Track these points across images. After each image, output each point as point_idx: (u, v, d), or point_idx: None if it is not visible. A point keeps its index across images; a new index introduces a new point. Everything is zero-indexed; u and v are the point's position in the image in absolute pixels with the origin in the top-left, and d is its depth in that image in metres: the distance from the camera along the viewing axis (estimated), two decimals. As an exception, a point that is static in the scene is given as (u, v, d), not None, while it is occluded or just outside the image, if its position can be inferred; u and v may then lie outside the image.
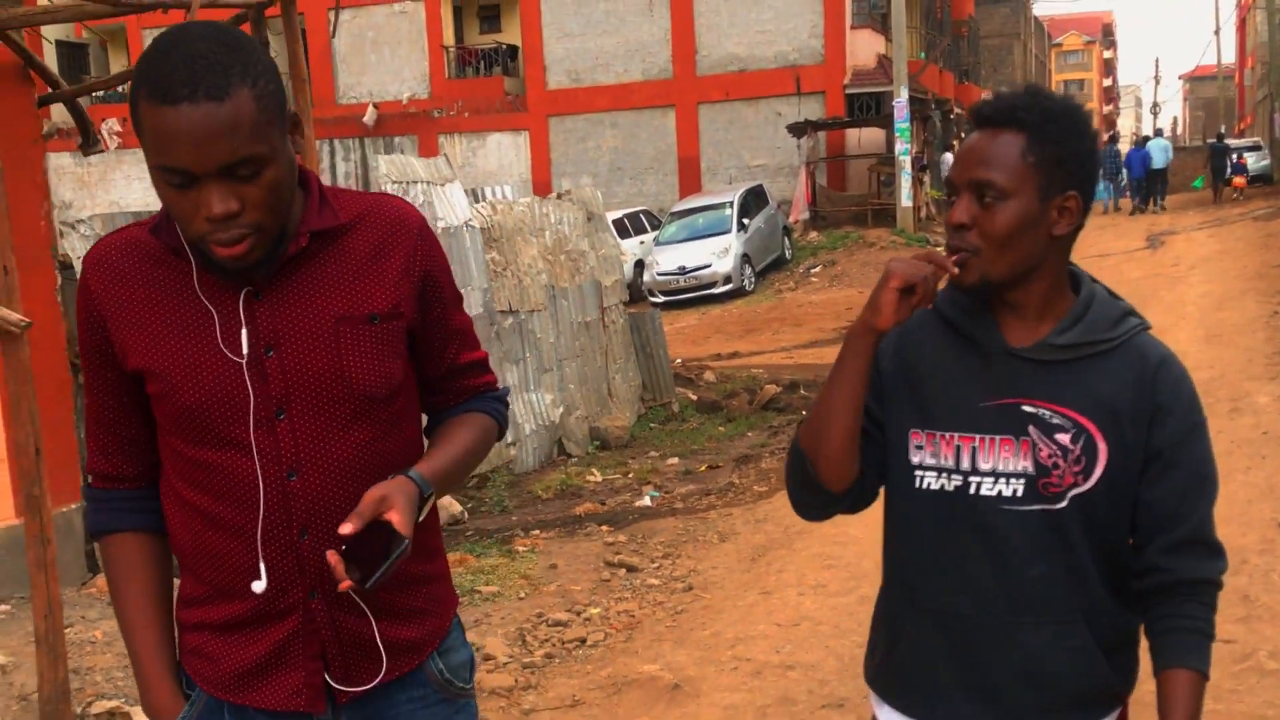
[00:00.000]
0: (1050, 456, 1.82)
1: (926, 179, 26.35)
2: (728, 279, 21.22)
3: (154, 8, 5.22)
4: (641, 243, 23.12)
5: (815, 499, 1.94)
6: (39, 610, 4.22)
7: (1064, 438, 1.82)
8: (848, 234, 24.05)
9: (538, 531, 7.81)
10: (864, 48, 28.23)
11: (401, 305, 1.81)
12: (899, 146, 23.83)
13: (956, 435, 1.87)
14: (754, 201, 23.13)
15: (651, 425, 11.47)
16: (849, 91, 27.67)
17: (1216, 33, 51.40)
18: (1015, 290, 1.85)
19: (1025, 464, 1.83)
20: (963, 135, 32.13)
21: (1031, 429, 1.83)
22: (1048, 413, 1.83)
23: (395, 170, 9.36)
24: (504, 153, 29.45)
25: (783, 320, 18.21)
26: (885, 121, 25.43)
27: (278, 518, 1.76)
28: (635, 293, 20.89)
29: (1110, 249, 21.32)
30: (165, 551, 1.90)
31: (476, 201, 10.72)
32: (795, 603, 5.81)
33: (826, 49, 27.57)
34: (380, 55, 30.04)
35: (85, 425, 1.92)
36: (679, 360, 13.91)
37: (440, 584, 1.95)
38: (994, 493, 1.84)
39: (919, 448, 1.90)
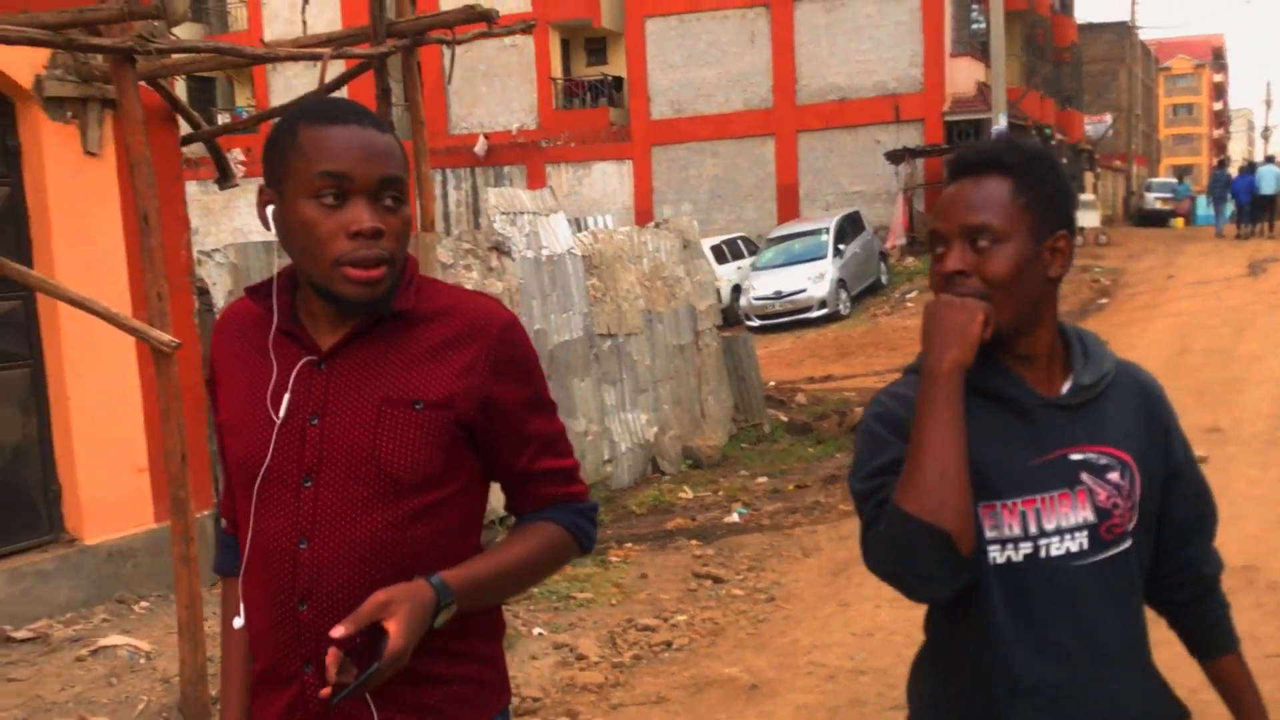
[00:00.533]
0: (1109, 498, 1.78)
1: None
2: (823, 303, 21.41)
3: (288, 59, 5.72)
4: (739, 268, 23.43)
5: (946, 567, 1.69)
6: (181, 601, 4.69)
7: (1115, 476, 1.78)
8: (944, 260, 24.07)
9: (630, 544, 8.16)
10: (963, 75, 28.22)
11: (457, 399, 1.75)
12: (996, 173, 23.79)
13: (1019, 501, 1.76)
14: (850, 227, 23.29)
15: (743, 445, 11.76)
16: (948, 119, 27.68)
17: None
18: (1024, 340, 1.80)
19: (1085, 514, 1.77)
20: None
21: (1084, 475, 1.77)
22: (1094, 455, 1.78)
23: (504, 201, 9.84)
24: (608, 181, 30.03)
25: (877, 344, 18.34)
26: (983, 149, 25.37)
27: (283, 583, 1.75)
28: (732, 317, 21.20)
29: (1210, 275, 21.02)
30: None
31: (579, 230, 11.16)
32: (871, 614, 6.07)
33: (926, 77, 27.64)
34: (491, 87, 30.87)
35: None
36: (772, 383, 14.17)
37: (465, 686, 1.83)
38: (1063, 551, 1.76)
39: (979, 523, 1.75)
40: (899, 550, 1.70)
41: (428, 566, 1.72)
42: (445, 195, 30.11)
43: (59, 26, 4.14)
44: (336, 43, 5.59)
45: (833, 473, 10.10)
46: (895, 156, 25.83)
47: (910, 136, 27.39)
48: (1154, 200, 38.78)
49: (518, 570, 1.82)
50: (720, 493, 9.88)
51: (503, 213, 9.80)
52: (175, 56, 7.12)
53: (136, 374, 6.65)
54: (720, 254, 22.77)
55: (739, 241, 24.86)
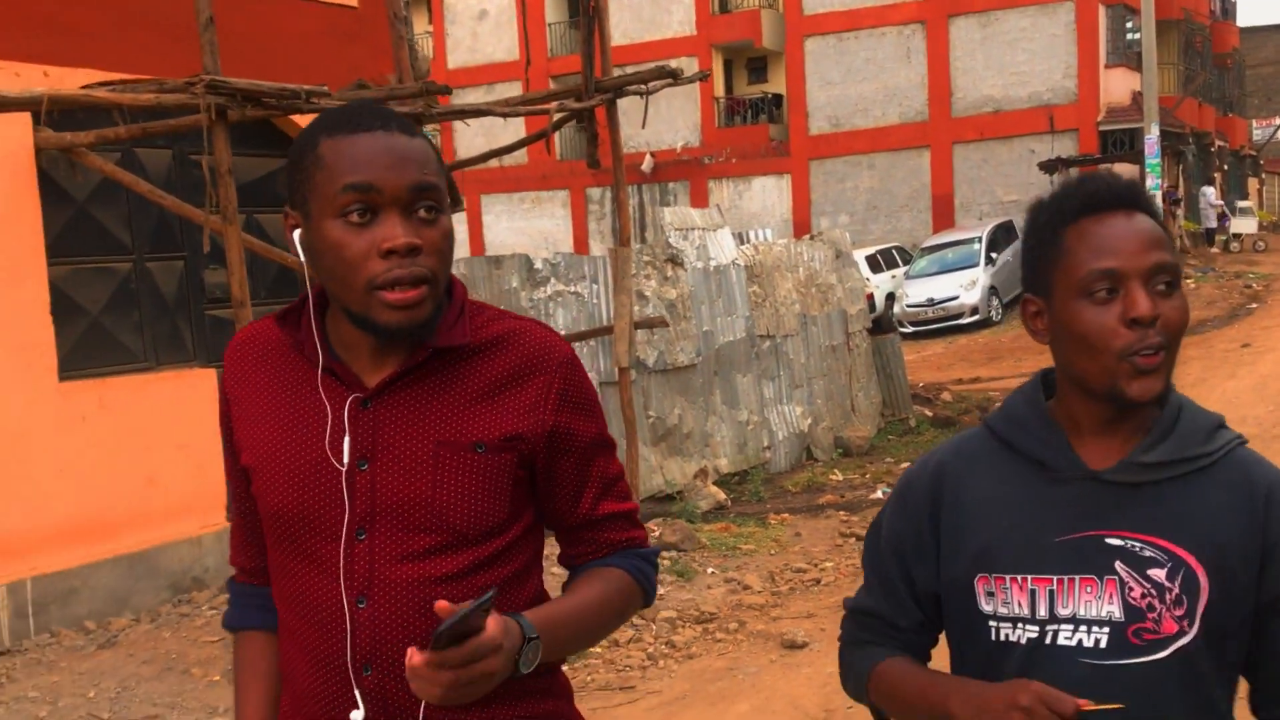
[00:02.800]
0: (1144, 597, 1.52)
1: (1180, 212, 26.46)
2: (974, 310, 22.23)
3: (525, 114, 7.23)
4: (893, 277, 24.39)
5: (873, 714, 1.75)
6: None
7: (1158, 573, 1.52)
8: (1097, 267, 24.60)
9: (786, 513, 9.46)
10: (1118, 85, 28.57)
11: (517, 441, 1.61)
12: (1149, 182, 24.18)
13: (1030, 578, 1.56)
14: (1003, 236, 24.02)
15: (889, 437, 12.91)
16: (1102, 128, 28.08)
17: None
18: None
19: (1111, 608, 1.52)
20: (1209, 176, 31.73)
21: (1118, 565, 1.53)
22: (1138, 544, 1.53)
23: (677, 219, 11.29)
24: (767, 195, 31.30)
25: (1026, 349, 19.13)
26: (1138, 157, 25.78)
27: (337, 645, 1.59)
28: (886, 324, 22.21)
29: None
30: None
31: (742, 243, 12.51)
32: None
33: (1080, 88, 28.10)
34: (656, 108, 32.36)
35: (231, 515, 1.82)
36: (920, 384, 15.24)
37: None
38: (1072, 643, 1.53)
39: (990, 594, 1.59)
40: (843, 674, 1.78)
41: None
42: (615, 211, 31.83)
43: (377, 101, 5.71)
44: (557, 98, 7.07)
45: (971, 459, 11.21)
46: (1049, 166, 26.39)
47: (1065, 146, 27.89)
48: (1323, 205, 38.00)
49: (593, 615, 1.66)
50: (868, 475, 11.08)
51: (676, 229, 11.25)
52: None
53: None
54: (875, 263, 23.79)
55: (893, 251, 25.81)
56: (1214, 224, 27.97)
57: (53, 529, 6.42)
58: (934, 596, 1.67)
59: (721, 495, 10.29)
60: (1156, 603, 1.52)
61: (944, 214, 29.28)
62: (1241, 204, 30.40)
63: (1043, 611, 1.55)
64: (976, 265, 22.75)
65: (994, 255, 23.20)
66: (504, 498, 1.61)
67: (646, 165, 32.14)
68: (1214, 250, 27.20)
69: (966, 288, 22.34)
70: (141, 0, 6.88)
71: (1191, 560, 1.51)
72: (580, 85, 7.11)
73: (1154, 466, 1.54)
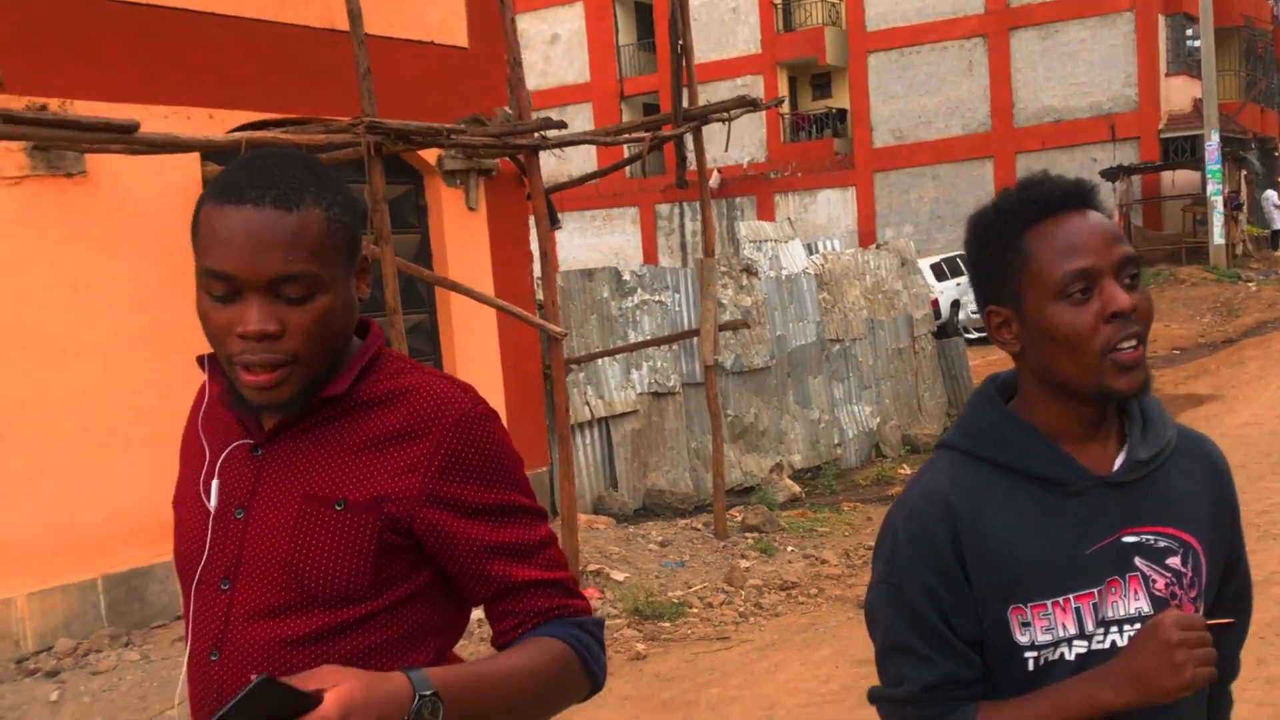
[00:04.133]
0: (1167, 586, 1.56)
1: (1242, 217, 26.77)
2: (1038, 315, 22.77)
3: (621, 143, 8.12)
4: (958, 284, 24.98)
5: None
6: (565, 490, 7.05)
7: (1174, 561, 1.57)
8: (1160, 271, 24.98)
9: (858, 503, 10.24)
10: (1179, 93, 28.93)
11: (384, 501, 1.50)
12: (1210, 187, 24.59)
13: (1072, 597, 1.54)
14: (1065, 244, 24.52)
15: (956, 434, 13.64)
16: (1163, 136, 28.46)
17: None
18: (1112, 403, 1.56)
19: (1140, 604, 1.55)
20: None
21: (1138, 561, 1.56)
22: (1152, 537, 1.56)
23: (751, 232, 12.15)
24: (832, 207, 32.02)
25: (1088, 352, 19.70)
26: (1199, 163, 26.15)
27: (200, 695, 1.53)
28: (951, 331, 22.82)
29: None
30: None
31: (811, 254, 13.32)
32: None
33: (1140, 97, 28.52)
34: (724, 125, 33.35)
35: None
36: (984, 384, 15.93)
37: None
38: (1105, 645, 1.54)
39: (1025, 625, 1.54)
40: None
41: None
42: (683, 226, 32.74)
43: (501, 135, 6.63)
44: (649, 127, 7.97)
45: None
46: (1111, 174, 26.83)
47: (1126, 154, 28.31)
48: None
49: (520, 681, 1.49)
50: (934, 468, 11.83)
51: (750, 240, 12.10)
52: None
53: (499, 366, 9.21)
54: (940, 272, 24.40)
55: (958, 260, 26.38)
56: (1278, 226, 28.20)
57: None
58: (977, 644, 1.56)
59: (796, 488, 11.10)
60: (1178, 589, 1.56)
61: (1007, 223, 29.78)
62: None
63: (1090, 625, 1.53)
64: (1039, 272, 23.30)
65: (1056, 262, 23.73)
66: (365, 562, 1.49)
67: (714, 181, 33.01)
68: (1278, 254, 27.43)
69: (1029, 294, 22.89)
70: (280, 49, 7.89)
71: (1193, 541, 1.57)
72: (670, 113, 8.00)
73: (1147, 462, 1.57)
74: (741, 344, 11.44)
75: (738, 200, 32.56)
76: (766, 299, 11.84)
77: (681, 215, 32.71)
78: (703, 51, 32.89)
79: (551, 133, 7.01)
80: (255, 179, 1.46)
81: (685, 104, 8.13)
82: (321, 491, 1.51)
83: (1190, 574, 1.57)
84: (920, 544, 1.56)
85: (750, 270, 11.81)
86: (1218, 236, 24.62)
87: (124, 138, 5.07)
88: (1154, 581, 1.55)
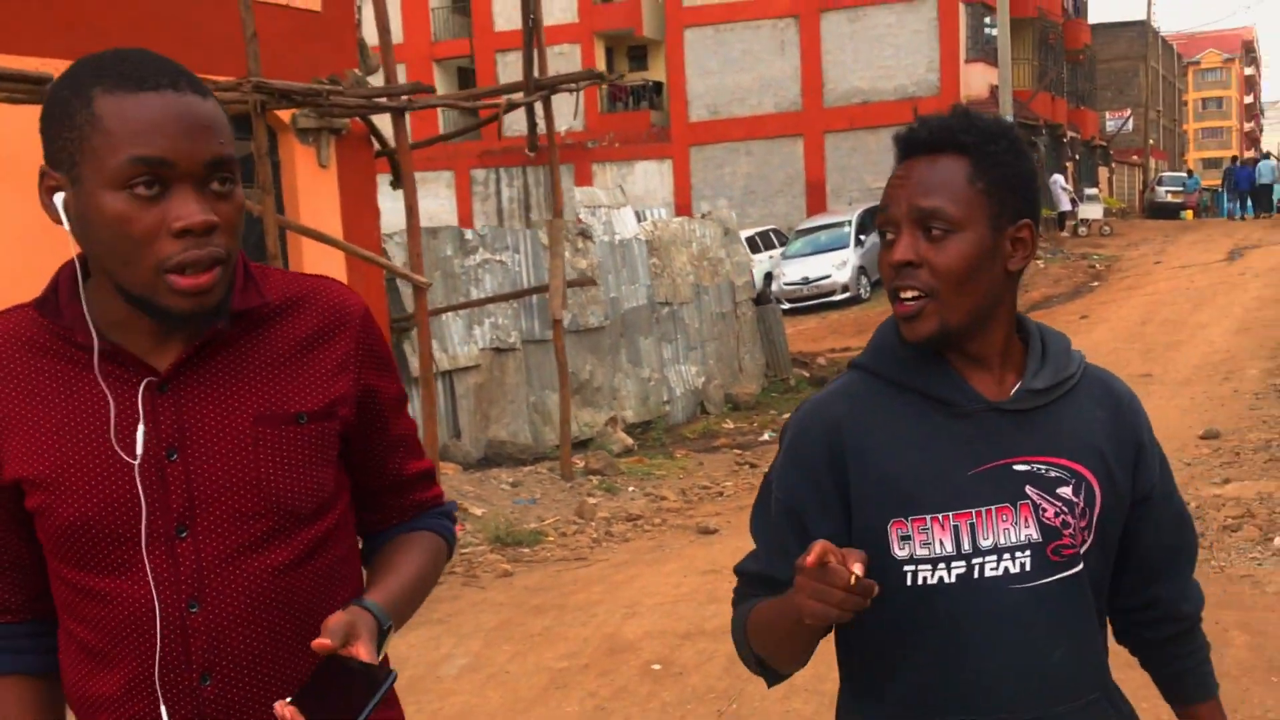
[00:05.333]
0: (1057, 515, 1.60)
1: (1033, 199, 29.12)
2: (845, 288, 24.37)
3: (478, 106, 8.77)
4: (771, 257, 26.42)
5: (769, 678, 1.72)
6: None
7: (1066, 491, 1.61)
8: (957, 249, 27.01)
9: (690, 452, 11.23)
10: (977, 79, 31.12)
11: (337, 405, 1.52)
12: (1004, 170, 26.72)
13: (950, 515, 1.59)
14: (871, 220, 26.12)
15: (772, 394, 14.80)
16: (963, 120, 30.57)
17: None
18: (975, 340, 1.62)
19: (1029, 531, 1.59)
20: (1064, 160, 34.65)
21: (1029, 489, 1.60)
22: (1043, 466, 1.61)
23: (586, 198, 12.97)
24: (649, 179, 33.13)
25: (892, 322, 21.32)
26: (994, 147, 28.28)
27: (175, 658, 1.45)
28: (764, 301, 24.21)
29: (1193, 261, 23.83)
30: (56, 700, 1.59)
31: (641, 221, 14.23)
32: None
33: (942, 81, 30.58)
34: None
35: None
36: (797, 352, 17.19)
37: None
38: (999, 572, 1.58)
39: (905, 538, 1.59)
40: (738, 645, 1.71)
41: (329, 605, 1.48)
42: (499, 192, 33.29)
43: (372, 96, 7.23)
44: (506, 92, 8.67)
45: (843, 410, 13.17)
46: (914, 155, 28.74)
47: (928, 136, 30.30)
48: (1165, 194, 41.46)
49: (421, 587, 1.62)
50: (755, 424, 12.93)
51: (585, 206, 12.92)
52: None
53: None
54: (754, 244, 25.77)
55: (770, 233, 27.86)
56: (1067, 208, 30.72)
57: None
58: None
59: (629, 440, 12.01)
60: (1069, 518, 1.60)
61: (817, 199, 31.50)
62: (1089, 191, 33.40)
63: (967, 546, 1.58)
64: (847, 247, 24.89)
65: (863, 238, 25.36)
66: (329, 469, 1.53)
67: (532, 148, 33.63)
68: (1064, 234, 29.90)
69: (838, 267, 24.47)
70: (148, 6, 8.25)
71: (1087, 473, 1.62)
72: (524, 84, 8.74)
73: (1044, 391, 1.63)
74: (578, 304, 12.25)
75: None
76: (601, 262, 12.67)
77: (498, 181, 33.26)
78: (518, 19, 33.43)
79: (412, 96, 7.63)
80: (156, 67, 1.39)
81: (536, 74, 8.86)
82: (273, 409, 1.48)
83: (1082, 504, 1.62)
84: (796, 452, 1.66)
85: (585, 234, 12.63)
86: (1010, 216, 26.77)
87: (40, 88, 5.51)
88: (1044, 510, 1.60)
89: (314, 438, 1.51)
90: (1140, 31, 54.30)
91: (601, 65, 33.97)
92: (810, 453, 1.64)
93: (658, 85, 33.99)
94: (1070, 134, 35.80)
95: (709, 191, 32.31)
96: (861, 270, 24.92)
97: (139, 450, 1.44)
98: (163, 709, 1.45)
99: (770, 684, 1.74)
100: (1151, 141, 53.34)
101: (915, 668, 1.62)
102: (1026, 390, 1.63)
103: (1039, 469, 1.61)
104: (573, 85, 8.86)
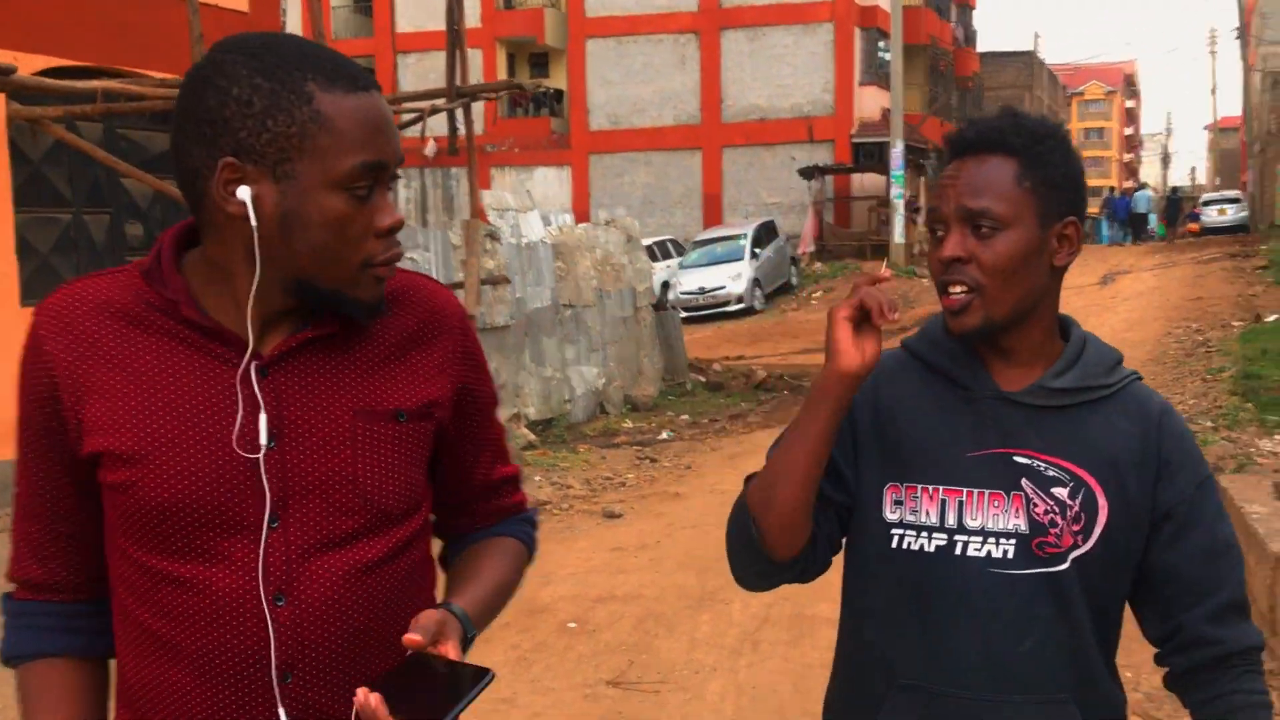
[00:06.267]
0: (1046, 513, 1.67)
1: (919, 219, 30.42)
2: (740, 299, 25.30)
3: (400, 111, 9.30)
4: (668, 267, 27.20)
5: (756, 565, 1.72)
6: None
7: (1061, 492, 1.67)
8: (847, 265, 28.14)
9: (590, 447, 11.88)
10: (870, 102, 32.41)
11: (434, 406, 1.53)
12: (894, 191, 27.94)
13: (941, 489, 1.69)
14: (766, 234, 27.23)
15: (670, 397, 15.53)
16: (855, 140, 31.85)
17: (1213, 92, 55.39)
18: (1011, 334, 1.70)
19: (1017, 521, 1.67)
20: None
21: (1025, 482, 1.67)
22: (1043, 464, 1.68)
23: (494, 200, 13.54)
24: (549, 185, 33.73)
25: (784, 334, 22.24)
26: (885, 168, 29.55)
27: (247, 654, 1.43)
28: (661, 308, 24.98)
29: (1070, 283, 25.00)
30: (101, 684, 1.55)
31: (547, 225, 14.85)
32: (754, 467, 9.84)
33: (837, 103, 31.79)
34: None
35: (13, 520, 1.55)
36: (694, 359, 17.97)
37: None
38: (982, 554, 1.65)
39: (898, 503, 1.71)
40: (730, 532, 1.74)
41: (408, 607, 1.48)
42: (396, 193, 33.53)
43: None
44: (430, 98, 9.24)
45: (736, 413, 13.91)
46: (808, 173, 29.88)
47: (822, 155, 31.50)
48: (1047, 219, 43.41)
49: (505, 595, 1.63)
50: (654, 424, 13.63)
51: (494, 209, 13.51)
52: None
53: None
54: (651, 254, 26.47)
55: (668, 244, 28.68)
56: (951, 231, 32.29)
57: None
58: (846, 497, 1.74)
59: (532, 436, 12.60)
60: (1059, 519, 1.65)
61: (713, 212, 32.46)
62: (974, 214, 35.12)
63: (951, 521, 1.66)
64: (743, 259, 25.83)
65: (758, 251, 26.35)
66: (422, 469, 1.54)
67: (430, 150, 33.89)
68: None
69: (734, 279, 25.39)
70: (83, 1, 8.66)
71: (1091, 480, 1.65)
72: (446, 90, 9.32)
73: (1060, 392, 1.68)
74: (486, 303, 12.81)
75: (454, 171, 33.63)
76: (508, 263, 13.26)
77: (394, 181, 33.51)
78: (419, 20, 33.77)
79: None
80: (352, 65, 1.43)
81: (458, 81, 9.45)
82: (373, 405, 1.49)
83: (1077, 509, 1.66)
84: None
85: (494, 236, 13.20)
86: (898, 236, 27.98)
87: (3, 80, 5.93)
88: (1035, 505, 1.66)
89: (411, 437, 1.52)
90: (1027, 62, 56.67)
91: (503, 72, 34.51)
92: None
93: (558, 93, 34.63)
94: (958, 158, 37.35)
95: (608, 200, 32.98)
96: (756, 282, 25.89)
97: (263, 437, 1.43)
98: (281, 710, 1.43)
99: (751, 572, 1.75)
100: (1035, 168, 55.48)
101: (888, 626, 1.72)
102: (1040, 387, 1.70)
103: (1038, 465, 1.68)
104: (493, 94, 9.45)
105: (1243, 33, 40.85)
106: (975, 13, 44.01)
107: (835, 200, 31.87)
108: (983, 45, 45.85)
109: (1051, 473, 1.67)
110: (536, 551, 1.75)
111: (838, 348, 1.57)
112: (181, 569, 1.43)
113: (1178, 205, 36.14)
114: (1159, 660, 1.78)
